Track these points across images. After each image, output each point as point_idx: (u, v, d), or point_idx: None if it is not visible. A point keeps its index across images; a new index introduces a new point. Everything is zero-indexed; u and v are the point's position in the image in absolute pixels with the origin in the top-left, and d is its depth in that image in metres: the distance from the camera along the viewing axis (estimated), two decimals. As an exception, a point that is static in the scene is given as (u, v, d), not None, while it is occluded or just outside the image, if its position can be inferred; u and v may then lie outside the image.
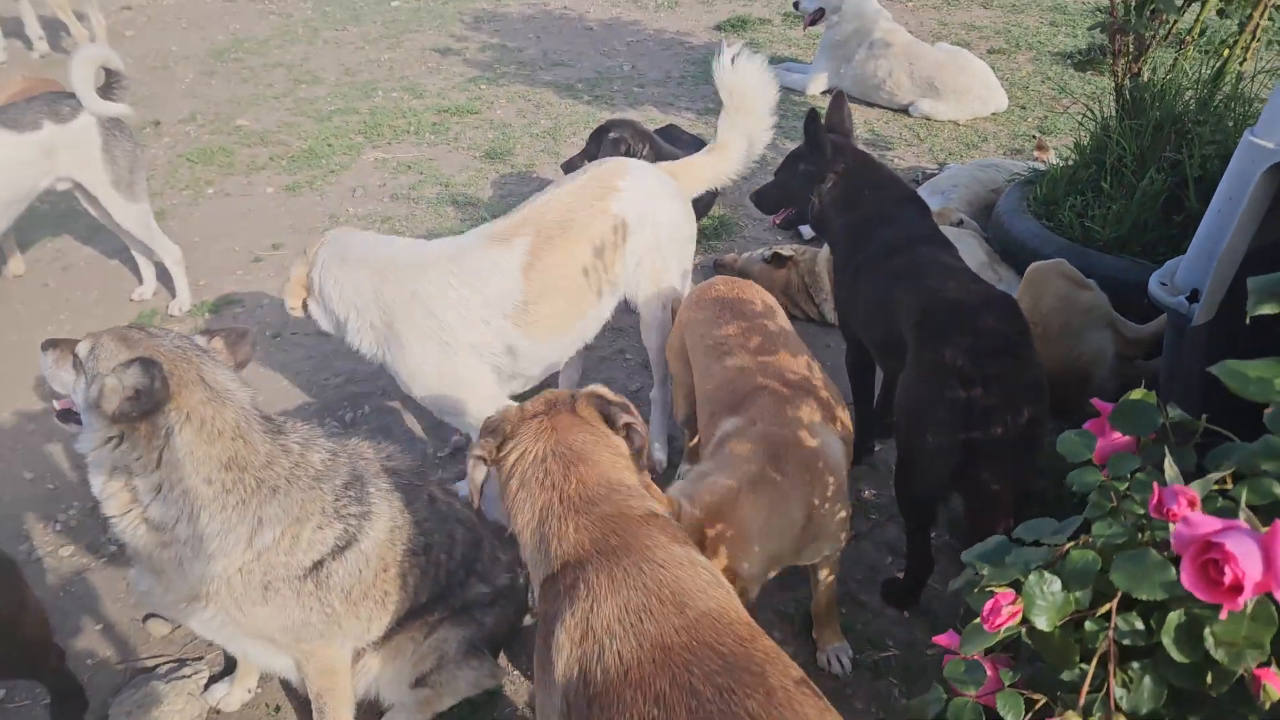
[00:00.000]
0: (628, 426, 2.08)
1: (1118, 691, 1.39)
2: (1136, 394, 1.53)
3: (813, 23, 6.97)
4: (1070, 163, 4.41)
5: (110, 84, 4.42)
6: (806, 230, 5.13)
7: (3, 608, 2.38)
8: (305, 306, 3.33)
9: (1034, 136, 5.82)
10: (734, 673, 1.57)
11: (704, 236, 5.18)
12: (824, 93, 6.94)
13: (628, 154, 4.82)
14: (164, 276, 5.08)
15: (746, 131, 3.66)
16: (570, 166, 5.03)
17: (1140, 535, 1.41)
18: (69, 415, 2.34)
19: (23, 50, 8.79)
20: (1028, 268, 3.73)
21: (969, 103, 6.31)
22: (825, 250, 4.49)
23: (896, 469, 2.88)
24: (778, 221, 3.82)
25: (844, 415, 2.71)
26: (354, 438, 2.72)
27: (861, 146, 5.83)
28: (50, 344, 2.35)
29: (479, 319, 3.09)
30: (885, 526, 3.35)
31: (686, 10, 9.08)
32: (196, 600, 2.29)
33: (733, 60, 3.52)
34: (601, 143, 4.90)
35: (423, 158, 6.28)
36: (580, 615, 1.71)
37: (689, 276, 3.61)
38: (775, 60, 7.64)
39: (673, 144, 5.18)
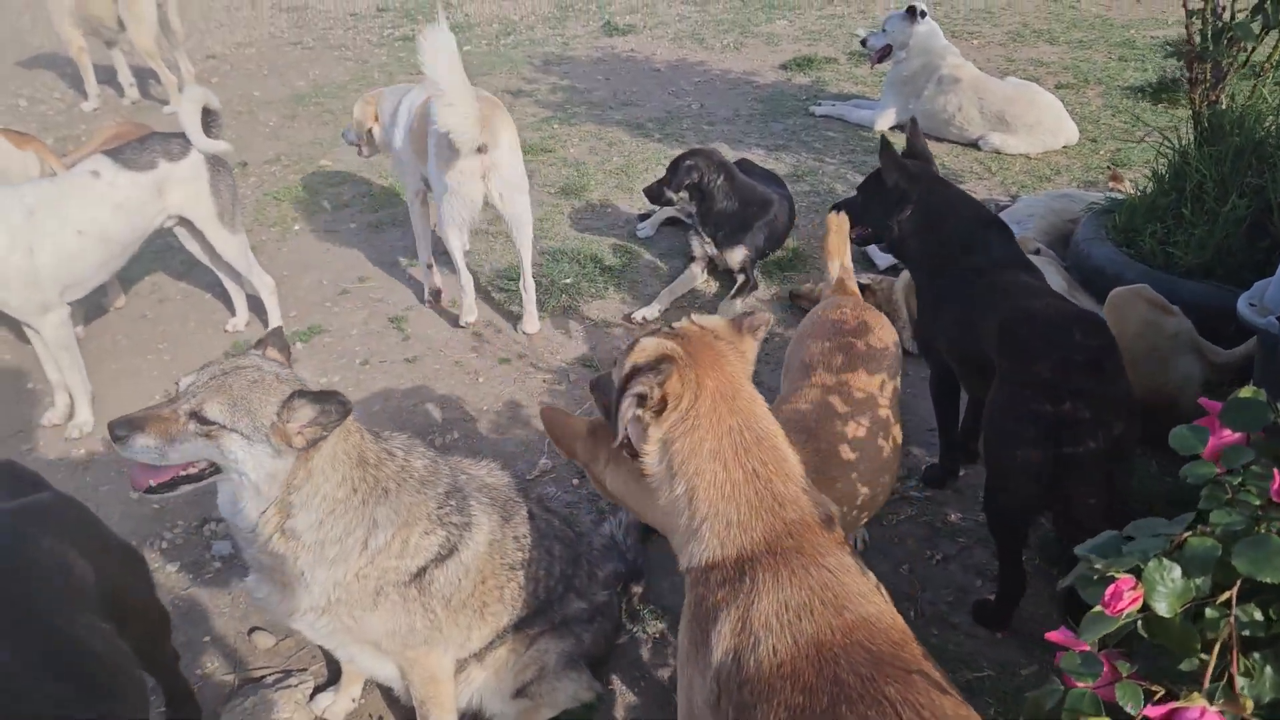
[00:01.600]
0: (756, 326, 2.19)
1: (1239, 681, 1.42)
2: (1245, 391, 1.57)
3: (880, 59, 7.05)
4: (1148, 190, 4.43)
5: (208, 123, 4.64)
6: (880, 258, 5.19)
7: (131, 593, 2.51)
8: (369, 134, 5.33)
9: (1108, 168, 5.83)
10: (878, 665, 1.66)
11: (779, 268, 5.26)
12: (892, 128, 7.01)
13: (700, 181, 4.96)
14: (255, 308, 5.28)
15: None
16: (651, 192, 5.17)
17: (1259, 525, 1.45)
18: (174, 484, 2.25)
19: (114, 97, 9.19)
20: (1109, 293, 3.74)
21: (1040, 136, 6.34)
22: (903, 278, 4.54)
23: (986, 488, 2.91)
24: (854, 236, 3.91)
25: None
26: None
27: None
28: (129, 426, 2.14)
29: (403, 125, 4.94)
30: (973, 550, 3.36)
31: (752, 51, 9.24)
32: (314, 609, 2.38)
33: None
34: (678, 169, 5.02)
35: (499, 195, 6.45)
36: (743, 608, 1.79)
37: (452, 205, 4.56)
38: (842, 97, 7.75)
39: (747, 175, 5.29)
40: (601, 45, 9.80)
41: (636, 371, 2.06)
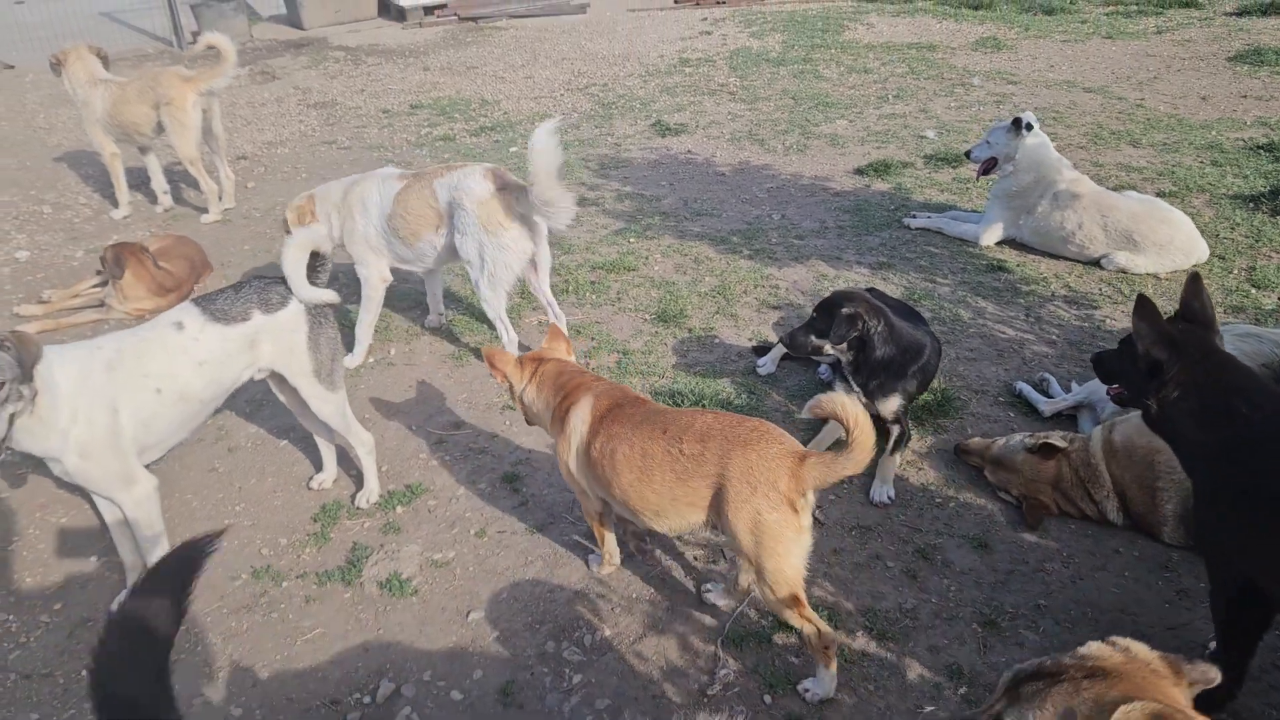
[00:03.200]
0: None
1: None
2: None
3: (985, 172, 6.66)
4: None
5: (315, 267, 4.14)
6: (1042, 401, 4.70)
7: None
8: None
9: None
10: None
11: (929, 414, 4.76)
12: (998, 243, 6.59)
13: (863, 329, 4.44)
14: (343, 461, 4.74)
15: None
16: (797, 344, 4.65)
17: None
18: None
19: (146, 204, 8.70)
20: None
21: (1171, 255, 5.93)
22: (1097, 437, 4.03)
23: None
24: (1111, 393, 3.43)
25: None
26: None
27: (1086, 311, 5.45)
28: None
29: (376, 211, 5.37)
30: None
31: (817, 154, 8.86)
32: None
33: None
34: (834, 317, 4.50)
35: (589, 320, 5.95)
36: None
37: (496, 271, 5.19)
38: (931, 207, 7.35)
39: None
40: (656, 146, 9.42)
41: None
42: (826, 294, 4.65)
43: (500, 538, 4.20)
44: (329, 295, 4.12)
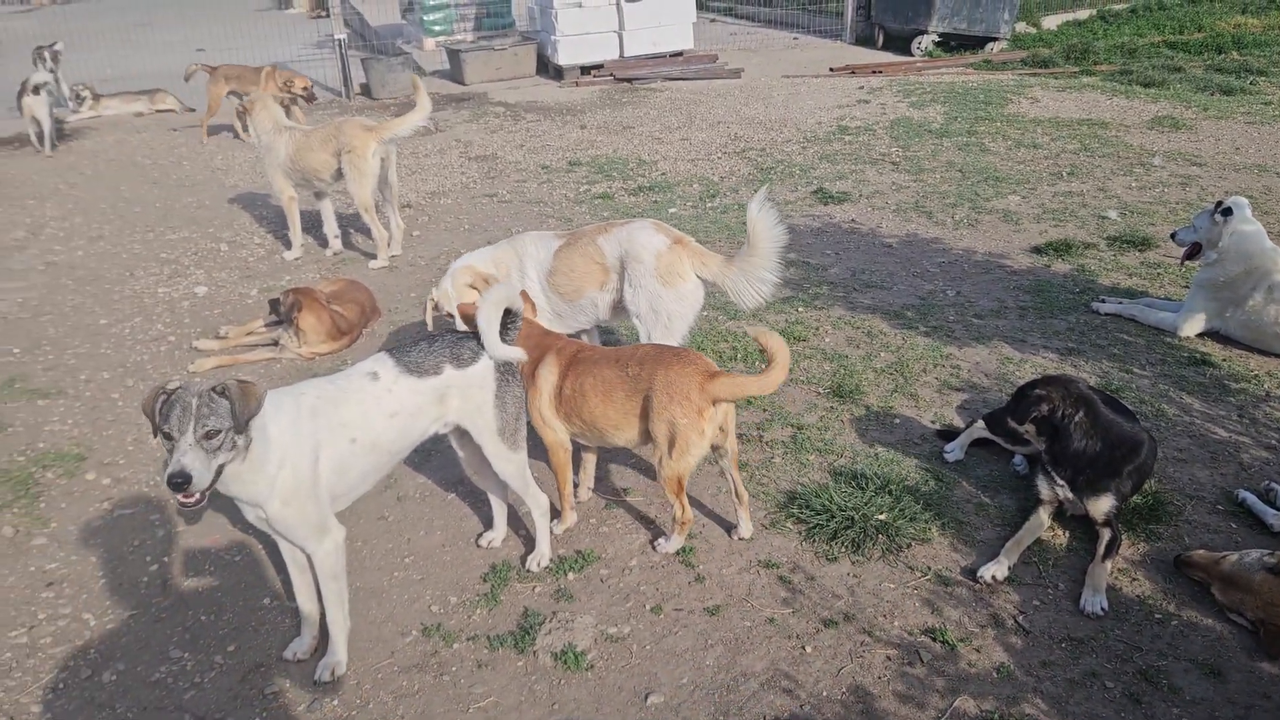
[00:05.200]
0: None
1: None
2: None
3: (1190, 257, 6.26)
4: None
5: (506, 324, 4.08)
6: (1269, 514, 4.28)
7: None
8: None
9: None
10: None
11: (1139, 519, 4.39)
12: (1199, 335, 6.16)
13: (1050, 414, 4.17)
14: (511, 520, 4.65)
15: (754, 261, 5.02)
16: (997, 425, 4.50)
17: None
18: None
19: (315, 247, 8.96)
20: None
21: (1404, 359, 5.43)
22: (1348, 561, 3.63)
23: None
24: None
25: None
26: None
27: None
28: None
29: (537, 268, 5.45)
30: None
31: (989, 230, 8.52)
32: None
33: (759, 207, 4.91)
34: (1024, 399, 4.27)
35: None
36: None
37: (671, 322, 5.16)
38: (1118, 291, 6.94)
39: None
40: (818, 213, 9.23)
41: None
42: (1014, 378, 4.41)
43: (677, 616, 4.01)
44: (519, 353, 4.06)
